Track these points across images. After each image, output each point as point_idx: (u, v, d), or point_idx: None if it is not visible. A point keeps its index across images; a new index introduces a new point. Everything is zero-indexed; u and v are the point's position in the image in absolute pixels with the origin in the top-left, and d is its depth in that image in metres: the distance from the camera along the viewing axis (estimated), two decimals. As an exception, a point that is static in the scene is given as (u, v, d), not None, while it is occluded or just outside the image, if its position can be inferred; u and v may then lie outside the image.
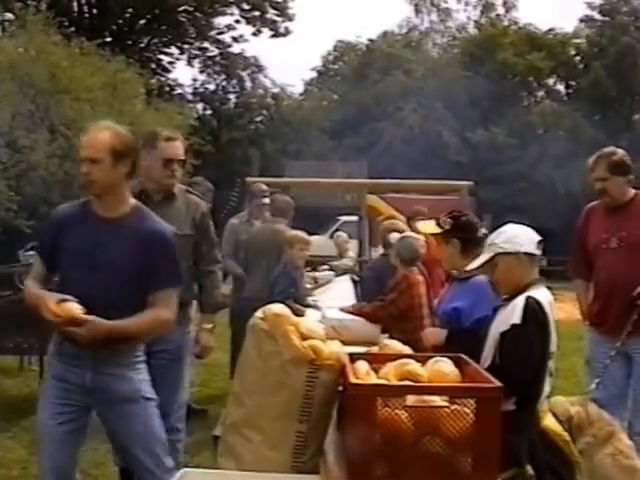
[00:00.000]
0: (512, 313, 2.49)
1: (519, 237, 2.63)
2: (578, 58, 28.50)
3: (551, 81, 29.47)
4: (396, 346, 2.72)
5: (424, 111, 26.65)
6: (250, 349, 2.48)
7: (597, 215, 3.93)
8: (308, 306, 4.81)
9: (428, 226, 3.23)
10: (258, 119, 29.57)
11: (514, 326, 2.44)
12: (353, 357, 2.47)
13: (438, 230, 3.12)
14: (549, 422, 2.47)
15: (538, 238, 2.67)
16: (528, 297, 2.51)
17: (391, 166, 25.35)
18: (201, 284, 3.50)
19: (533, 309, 2.47)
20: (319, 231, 15.38)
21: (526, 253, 2.60)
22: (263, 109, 29.50)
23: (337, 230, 12.97)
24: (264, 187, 5.98)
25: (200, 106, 28.29)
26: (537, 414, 2.43)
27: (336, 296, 5.36)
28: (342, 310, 4.42)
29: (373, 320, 4.17)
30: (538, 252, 2.64)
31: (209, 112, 28.38)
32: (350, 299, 5.29)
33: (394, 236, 4.69)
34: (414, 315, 4.21)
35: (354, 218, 13.91)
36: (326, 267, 8.26)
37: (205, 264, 3.45)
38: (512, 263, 2.59)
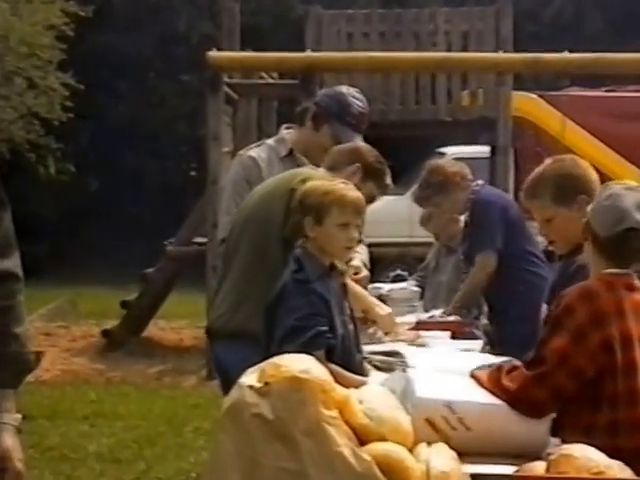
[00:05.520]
0: None
1: None
2: None
3: None
4: (589, 458, 2.51)
5: None
6: (229, 467, 2.37)
7: None
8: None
9: None
10: None
11: None
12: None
13: None
14: None
15: None
16: None
17: (571, 21, 24.00)
18: None
19: None
20: (392, 185, 13.35)
21: None
22: None
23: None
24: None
25: None
26: None
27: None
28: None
29: (517, 405, 3.27)
30: None
31: None
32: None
33: None
34: (618, 388, 3.25)
35: (480, 150, 12.53)
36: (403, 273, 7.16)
37: None
38: None
